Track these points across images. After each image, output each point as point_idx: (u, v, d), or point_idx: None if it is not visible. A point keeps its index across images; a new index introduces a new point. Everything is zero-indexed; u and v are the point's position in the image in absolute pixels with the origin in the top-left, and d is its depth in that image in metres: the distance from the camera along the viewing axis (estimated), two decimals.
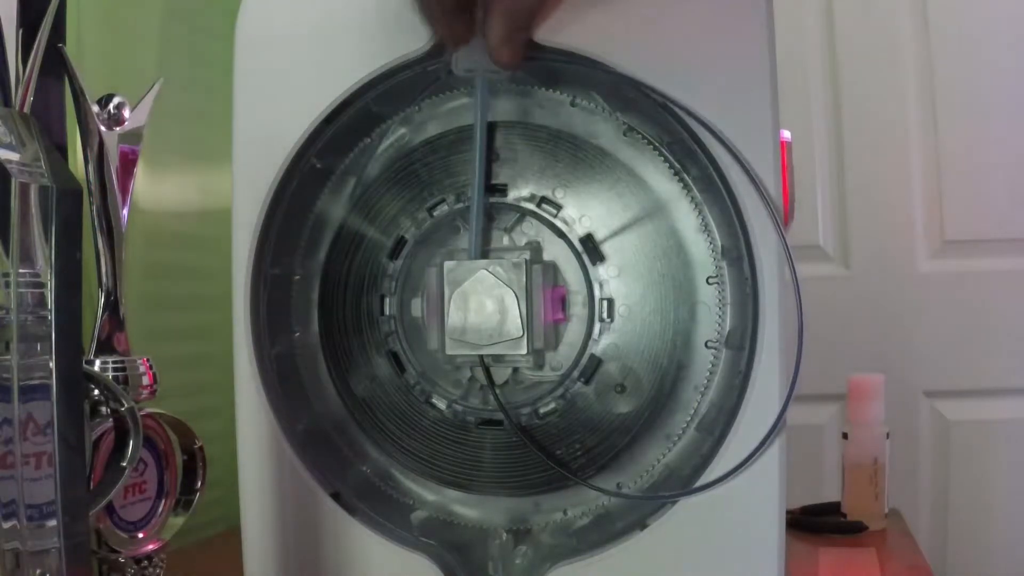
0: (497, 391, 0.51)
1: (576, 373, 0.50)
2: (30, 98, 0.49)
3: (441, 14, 0.46)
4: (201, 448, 0.61)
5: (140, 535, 0.58)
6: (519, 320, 0.48)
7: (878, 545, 0.79)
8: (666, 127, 0.48)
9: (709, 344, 0.49)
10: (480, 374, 0.51)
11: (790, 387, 0.46)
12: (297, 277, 0.54)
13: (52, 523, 0.37)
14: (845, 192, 1.37)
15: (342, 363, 0.53)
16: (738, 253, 0.48)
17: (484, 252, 0.50)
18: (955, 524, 1.34)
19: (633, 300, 0.49)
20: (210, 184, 0.89)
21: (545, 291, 0.49)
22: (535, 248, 0.50)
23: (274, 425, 0.52)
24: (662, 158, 0.49)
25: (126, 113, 0.59)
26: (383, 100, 0.52)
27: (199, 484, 0.61)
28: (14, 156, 0.37)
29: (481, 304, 0.48)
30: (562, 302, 0.50)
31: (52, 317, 0.36)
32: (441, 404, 0.52)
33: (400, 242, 0.52)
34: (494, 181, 0.50)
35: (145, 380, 0.58)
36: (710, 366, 0.49)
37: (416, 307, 0.52)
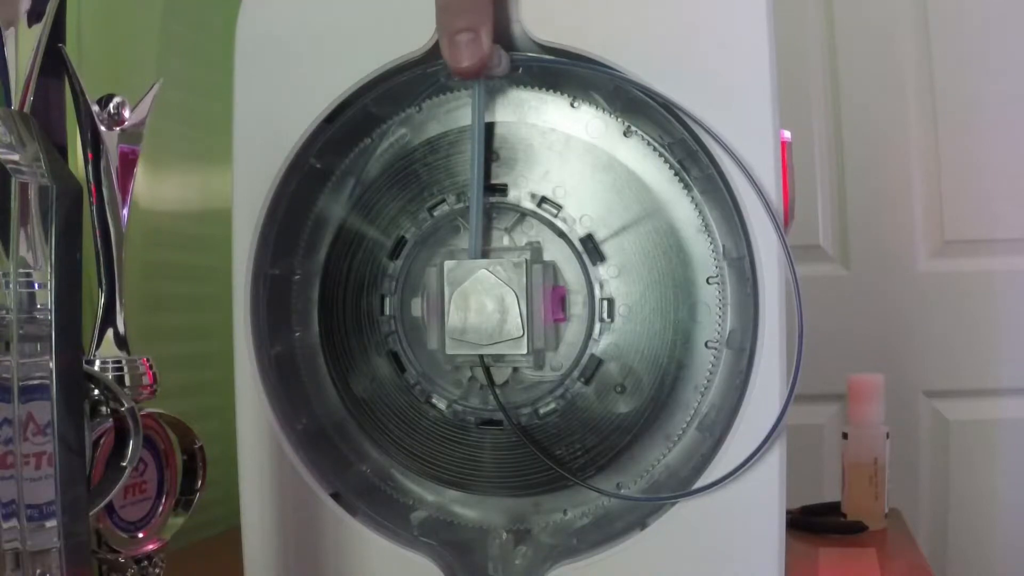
0: (497, 391, 0.51)
1: (576, 373, 0.50)
2: (30, 98, 0.49)
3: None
4: (201, 448, 0.61)
5: (140, 535, 0.58)
6: (519, 320, 0.48)
7: (878, 545, 0.79)
8: (666, 127, 0.48)
9: (709, 344, 0.49)
10: (480, 374, 0.51)
11: (790, 387, 0.46)
12: (297, 277, 0.54)
13: (52, 523, 0.37)
14: (845, 192, 1.37)
15: (342, 363, 0.53)
16: (738, 253, 0.48)
17: (484, 252, 0.50)
18: (955, 524, 1.34)
19: (633, 300, 0.49)
20: (210, 184, 0.89)
21: (545, 291, 0.49)
22: (535, 248, 0.50)
23: (274, 425, 0.52)
24: (662, 158, 0.49)
25: (126, 113, 0.59)
26: (383, 101, 0.52)
27: (199, 484, 0.61)
28: (14, 156, 0.37)
29: (481, 304, 0.48)
30: (562, 302, 0.50)
31: (52, 317, 0.36)
32: (441, 404, 0.52)
33: (400, 242, 0.52)
34: (494, 181, 0.50)
35: (145, 380, 0.58)
36: (710, 366, 0.49)
37: (416, 307, 0.52)
